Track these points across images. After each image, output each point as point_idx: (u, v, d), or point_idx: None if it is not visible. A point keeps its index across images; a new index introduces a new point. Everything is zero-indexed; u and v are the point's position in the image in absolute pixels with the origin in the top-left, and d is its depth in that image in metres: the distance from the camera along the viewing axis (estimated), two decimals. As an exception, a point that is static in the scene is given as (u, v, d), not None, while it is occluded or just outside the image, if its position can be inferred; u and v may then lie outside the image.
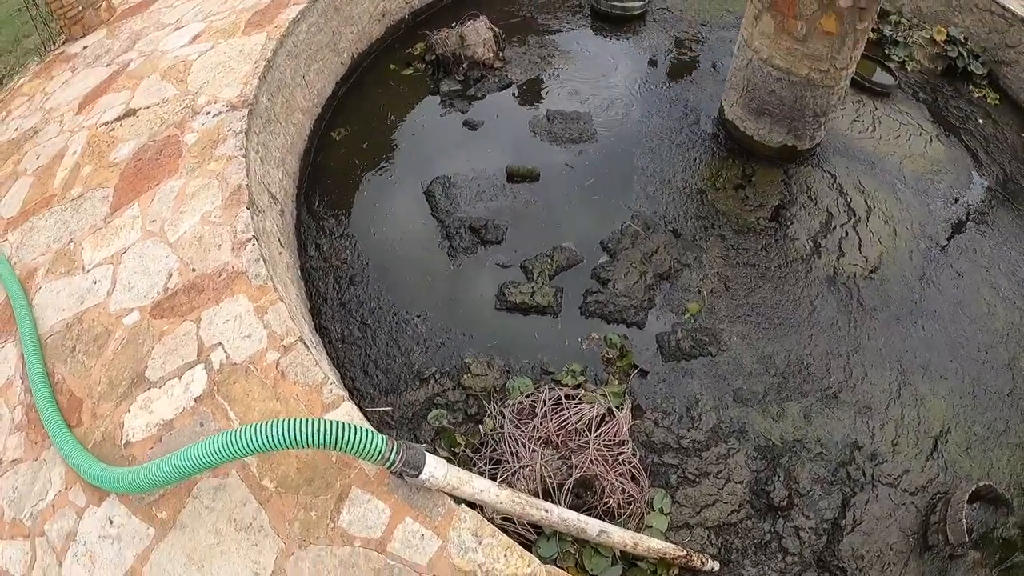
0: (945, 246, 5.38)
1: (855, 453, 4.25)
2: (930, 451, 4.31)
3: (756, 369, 4.51)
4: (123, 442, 3.37)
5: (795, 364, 4.55)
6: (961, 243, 5.44)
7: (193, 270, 3.93)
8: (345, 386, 3.99)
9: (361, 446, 2.58)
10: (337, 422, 2.59)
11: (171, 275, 3.96)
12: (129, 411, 3.47)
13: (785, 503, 4.00)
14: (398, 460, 2.65)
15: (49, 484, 3.42)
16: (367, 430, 2.63)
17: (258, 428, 2.55)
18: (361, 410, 3.30)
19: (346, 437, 2.56)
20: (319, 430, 2.54)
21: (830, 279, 5.00)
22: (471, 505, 2.97)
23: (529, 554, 2.78)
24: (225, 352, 3.54)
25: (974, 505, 4.03)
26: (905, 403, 4.46)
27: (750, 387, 4.42)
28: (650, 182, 5.62)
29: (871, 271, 5.08)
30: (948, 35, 7.23)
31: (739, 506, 4.01)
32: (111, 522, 3.18)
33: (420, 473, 2.73)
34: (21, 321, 3.98)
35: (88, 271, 4.20)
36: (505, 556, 2.77)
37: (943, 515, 3.96)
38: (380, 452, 2.61)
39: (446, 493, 2.91)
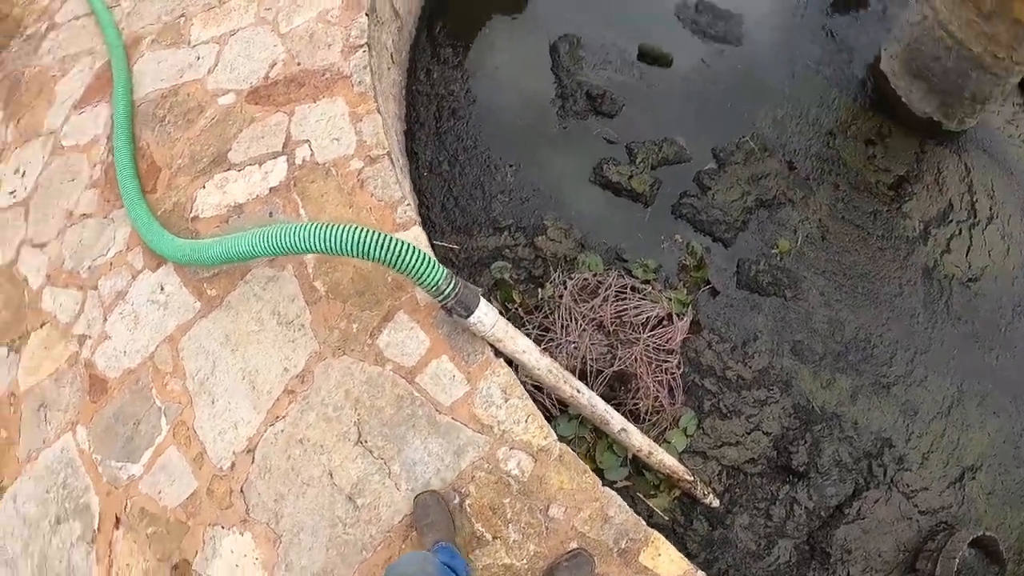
0: (1052, 287, 4.96)
1: (884, 450, 4.02)
2: (955, 479, 4.07)
3: (823, 329, 4.22)
4: (191, 215, 3.40)
5: (862, 340, 4.25)
6: (1070, 290, 4.99)
7: (298, 64, 3.75)
8: (420, 214, 3.83)
9: (420, 270, 2.44)
10: (403, 241, 2.46)
11: (275, 64, 3.81)
12: (204, 187, 3.47)
13: (802, 470, 3.82)
14: (452, 295, 2.51)
15: (112, 242, 3.52)
16: (430, 257, 2.48)
17: (325, 228, 2.48)
18: (429, 240, 3.13)
19: (408, 258, 2.42)
20: (382, 244, 2.41)
21: (927, 270, 4.62)
22: (508, 363, 2.85)
23: (548, 427, 2.72)
24: (311, 150, 3.42)
25: (972, 550, 3.86)
26: (951, 423, 4.19)
27: (811, 344, 4.14)
28: (782, 105, 5.11)
29: (970, 279, 4.68)
30: None
31: (758, 456, 3.83)
32: (162, 289, 3.27)
33: (470, 315, 2.58)
34: (118, 84, 3.95)
35: (193, 47, 4.10)
36: (525, 421, 2.73)
37: (941, 546, 3.78)
38: (437, 282, 2.47)
39: (488, 343, 2.80)
